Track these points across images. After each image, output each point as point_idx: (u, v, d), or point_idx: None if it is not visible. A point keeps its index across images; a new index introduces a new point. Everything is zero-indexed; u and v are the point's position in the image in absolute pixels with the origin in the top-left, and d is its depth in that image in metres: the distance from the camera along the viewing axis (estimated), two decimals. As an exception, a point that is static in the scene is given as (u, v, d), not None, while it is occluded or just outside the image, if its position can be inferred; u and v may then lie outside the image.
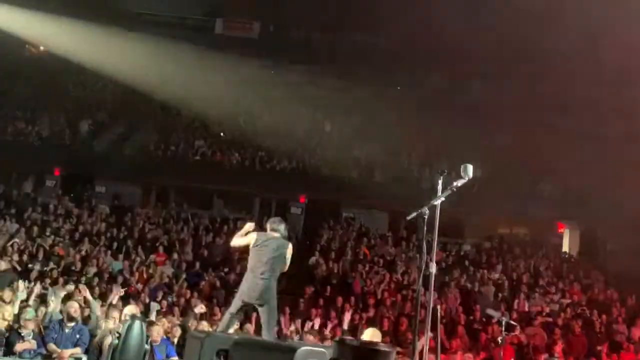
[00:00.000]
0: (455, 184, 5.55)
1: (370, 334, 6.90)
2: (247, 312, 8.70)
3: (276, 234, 7.50)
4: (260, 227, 8.21)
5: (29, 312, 9.69)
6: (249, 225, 7.77)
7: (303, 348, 5.93)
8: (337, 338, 7.35)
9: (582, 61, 23.63)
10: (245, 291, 7.27)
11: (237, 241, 7.73)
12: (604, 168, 22.18)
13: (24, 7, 24.16)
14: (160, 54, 25.89)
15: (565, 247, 22.02)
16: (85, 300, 10.81)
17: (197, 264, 17.39)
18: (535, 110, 25.44)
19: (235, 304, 7.41)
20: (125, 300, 12.30)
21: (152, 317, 11.13)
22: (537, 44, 24.53)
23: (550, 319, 15.73)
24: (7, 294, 10.86)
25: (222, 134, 25.58)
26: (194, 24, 32.17)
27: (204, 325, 10.86)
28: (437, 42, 27.37)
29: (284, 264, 7.54)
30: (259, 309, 7.30)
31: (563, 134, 24.83)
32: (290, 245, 7.62)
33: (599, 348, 14.57)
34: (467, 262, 18.98)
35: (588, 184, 23.59)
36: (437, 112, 29.59)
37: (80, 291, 11.58)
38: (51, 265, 15.47)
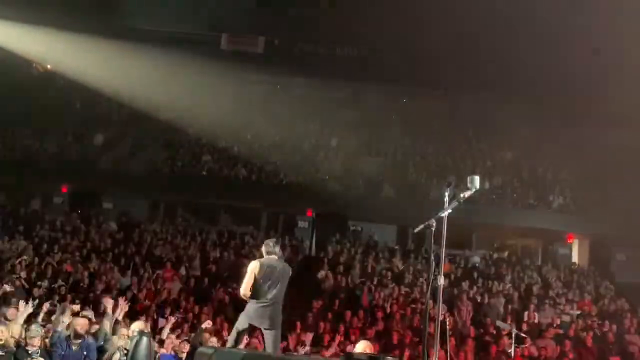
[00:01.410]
0: (462, 195, 5.51)
1: (362, 347, 6.87)
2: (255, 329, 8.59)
3: (275, 257, 7.33)
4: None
5: (36, 329, 9.64)
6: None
7: (312, 363, 5.89)
8: (345, 353, 7.29)
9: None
10: (254, 317, 7.11)
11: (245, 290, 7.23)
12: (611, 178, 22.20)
13: (29, 24, 24.35)
14: (166, 70, 26.04)
15: (575, 258, 21.85)
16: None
17: (205, 280, 17.37)
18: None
19: (242, 323, 7.27)
20: (133, 316, 12.25)
21: (160, 333, 11.09)
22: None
23: (561, 331, 15.60)
24: (13, 312, 10.82)
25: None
26: (199, 39, 32.33)
27: (213, 341, 10.80)
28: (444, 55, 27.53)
29: (286, 286, 7.44)
30: (266, 331, 7.13)
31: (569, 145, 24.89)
32: (289, 268, 7.52)
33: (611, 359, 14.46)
34: (476, 274, 18.85)
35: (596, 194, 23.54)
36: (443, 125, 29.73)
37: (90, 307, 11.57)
38: (59, 282, 15.47)
